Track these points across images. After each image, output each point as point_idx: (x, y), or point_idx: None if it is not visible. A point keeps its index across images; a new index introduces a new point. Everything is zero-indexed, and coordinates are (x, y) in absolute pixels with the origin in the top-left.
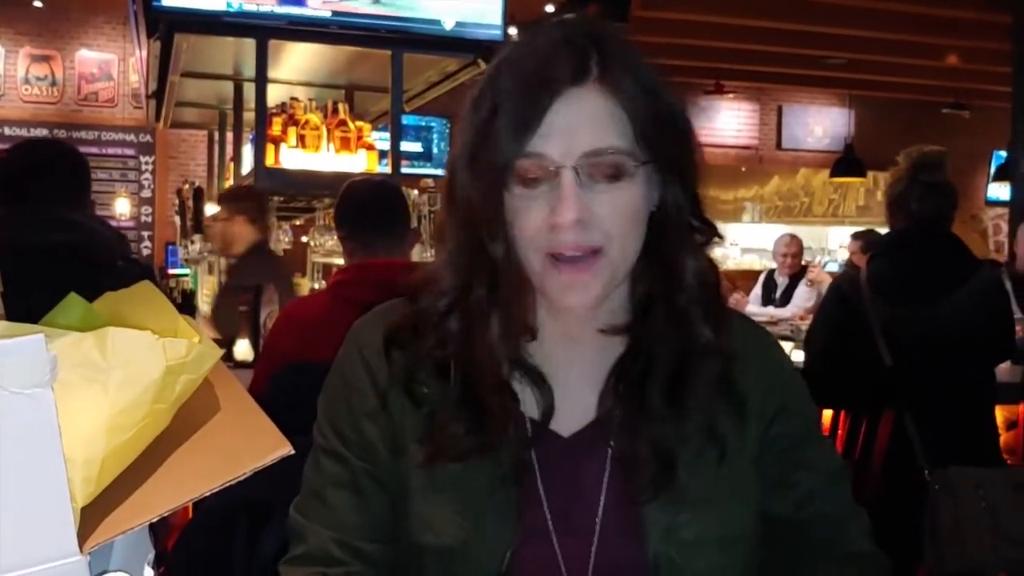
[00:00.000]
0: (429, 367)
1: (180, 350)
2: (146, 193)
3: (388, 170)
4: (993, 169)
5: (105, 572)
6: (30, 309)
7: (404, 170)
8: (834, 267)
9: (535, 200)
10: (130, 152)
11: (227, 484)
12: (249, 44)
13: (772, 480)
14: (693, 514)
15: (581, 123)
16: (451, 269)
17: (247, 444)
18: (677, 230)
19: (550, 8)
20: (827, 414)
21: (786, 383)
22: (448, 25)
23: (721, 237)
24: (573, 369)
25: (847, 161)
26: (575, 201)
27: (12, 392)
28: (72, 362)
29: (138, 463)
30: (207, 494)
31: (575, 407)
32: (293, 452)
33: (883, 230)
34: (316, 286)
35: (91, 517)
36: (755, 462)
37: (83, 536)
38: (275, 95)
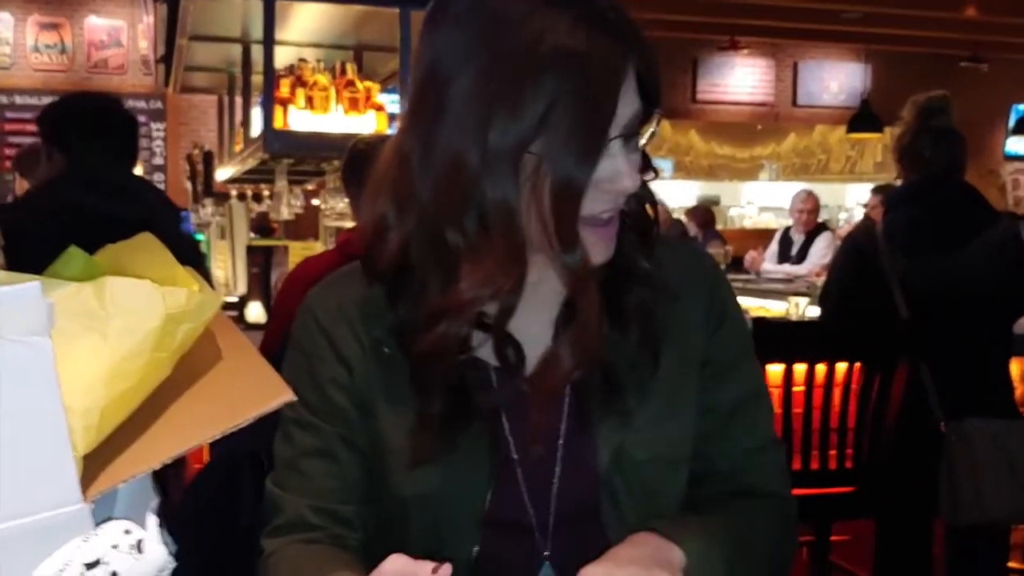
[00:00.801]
0: (392, 332)
1: (180, 299)
2: (158, 160)
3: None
4: (1012, 123)
5: (110, 519)
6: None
7: None
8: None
9: None
10: (141, 119)
11: (230, 431)
12: (256, 5)
13: (701, 402)
14: (642, 435)
15: (625, 97)
16: (485, 283)
17: (249, 391)
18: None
19: None
20: (841, 367)
21: (723, 311)
22: None
23: (656, 173)
24: (529, 313)
25: (864, 117)
26: (632, 167)
27: (10, 340)
28: (71, 311)
29: (140, 412)
30: (210, 440)
31: (534, 347)
32: (296, 399)
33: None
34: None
35: (94, 465)
36: (695, 384)
37: (86, 484)
38: (283, 57)
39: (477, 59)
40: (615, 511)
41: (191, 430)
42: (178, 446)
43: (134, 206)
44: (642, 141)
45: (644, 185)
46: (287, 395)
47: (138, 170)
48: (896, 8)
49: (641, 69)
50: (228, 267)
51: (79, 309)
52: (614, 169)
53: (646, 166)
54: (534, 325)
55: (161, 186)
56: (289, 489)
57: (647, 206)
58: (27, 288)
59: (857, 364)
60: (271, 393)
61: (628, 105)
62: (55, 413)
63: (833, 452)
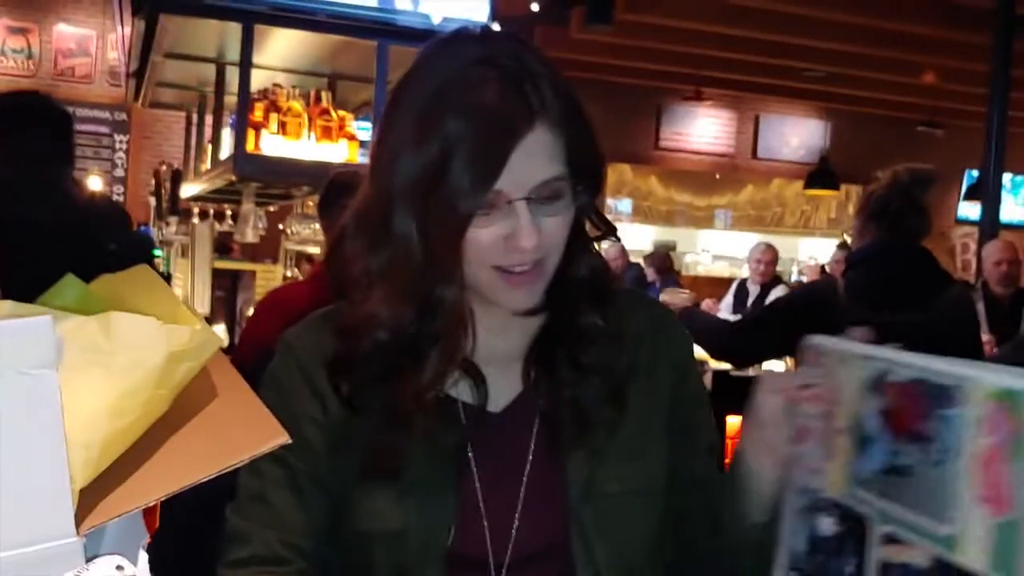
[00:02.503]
0: (365, 378)
1: (183, 336)
2: (119, 172)
3: (368, 161)
4: (964, 188)
5: (98, 555)
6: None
7: None
8: (803, 279)
9: (488, 225)
10: (104, 130)
11: (224, 471)
12: (234, 28)
13: (674, 441)
14: (611, 469)
15: (531, 157)
16: (385, 305)
17: (244, 432)
18: (578, 232)
19: (535, 7)
20: None
21: (685, 349)
22: (435, 20)
23: (616, 234)
24: (498, 352)
25: (821, 173)
26: (533, 228)
27: (19, 372)
28: (76, 344)
29: (135, 447)
30: (203, 480)
31: (503, 384)
32: (290, 441)
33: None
34: (288, 273)
35: (88, 499)
36: (664, 423)
37: (79, 518)
38: (258, 80)
39: (410, 102)
40: (583, 544)
41: (186, 468)
42: (172, 484)
43: (64, 213)
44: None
45: (594, 252)
46: (281, 437)
47: (97, 181)
48: (858, 70)
49: (567, 141)
50: (187, 286)
51: (84, 343)
52: (514, 226)
53: (607, 231)
54: (509, 362)
55: (120, 199)
56: (255, 520)
57: (600, 273)
58: (39, 322)
59: None
60: (265, 434)
61: (536, 168)
62: (57, 446)
63: None
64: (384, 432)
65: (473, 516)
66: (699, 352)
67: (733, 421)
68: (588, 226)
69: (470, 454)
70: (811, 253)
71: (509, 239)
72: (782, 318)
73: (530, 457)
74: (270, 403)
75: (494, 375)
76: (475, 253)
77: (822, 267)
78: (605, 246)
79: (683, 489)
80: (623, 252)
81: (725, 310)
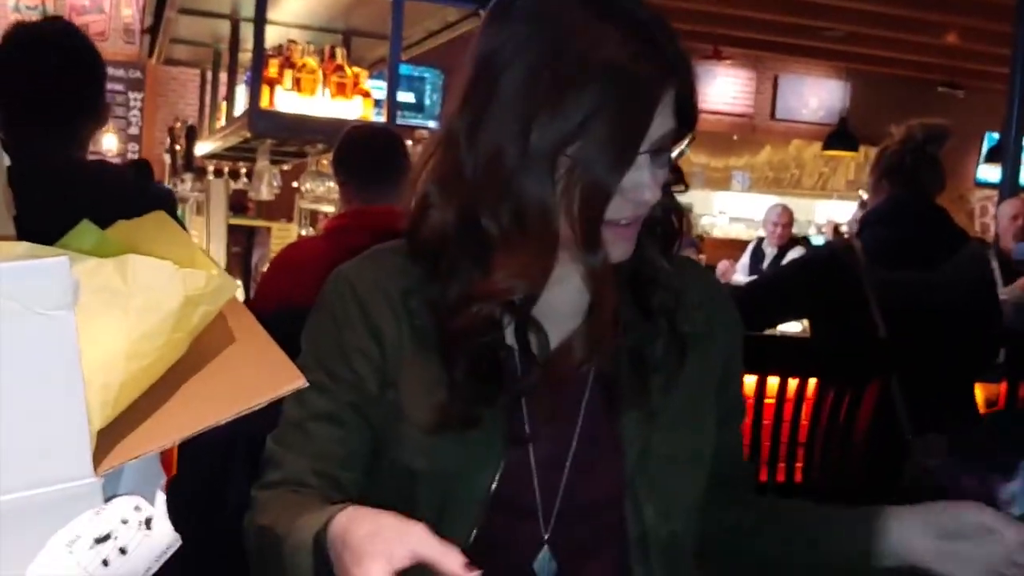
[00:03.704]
0: (428, 307)
1: (199, 281)
2: (133, 130)
3: (383, 118)
4: (984, 151)
5: (116, 495)
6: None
7: (399, 119)
8: (820, 240)
9: None
10: (119, 87)
11: (241, 413)
12: None
13: (721, 414)
14: (666, 432)
15: (660, 115)
16: (520, 277)
17: (262, 375)
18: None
19: None
20: (813, 383)
21: (738, 327)
22: None
23: (686, 184)
24: (561, 303)
25: (840, 135)
26: (654, 182)
27: (36, 312)
28: (93, 287)
29: (153, 390)
30: (221, 422)
31: (560, 335)
32: (308, 384)
33: None
34: (304, 232)
35: (106, 441)
36: (714, 395)
37: (97, 459)
38: (272, 37)
39: (529, 59)
40: (634, 506)
41: (203, 411)
42: (190, 426)
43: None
44: (673, 154)
45: (672, 197)
46: (299, 381)
47: (113, 138)
48: (878, 30)
49: (680, 91)
50: (203, 243)
51: (101, 285)
52: (639, 180)
53: (677, 179)
54: (564, 315)
55: (136, 156)
56: (292, 448)
57: (673, 217)
58: (56, 263)
59: (828, 380)
60: (283, 378)
61: (662, 123)
62: (75, 387)
63: (799, 465)
64: (461, 395)
65: (522, 464)
66: None
67: (747, 381)
68: None
69: (523, 402)
70: (829, 215)
71: (633, 192)
72: (797, 280)
73: (582, 413)
74: (322, 331)
75: (551, 326)
76: None
77: (836, 227)
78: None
79: (719, 460)
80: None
81: (741, 271)
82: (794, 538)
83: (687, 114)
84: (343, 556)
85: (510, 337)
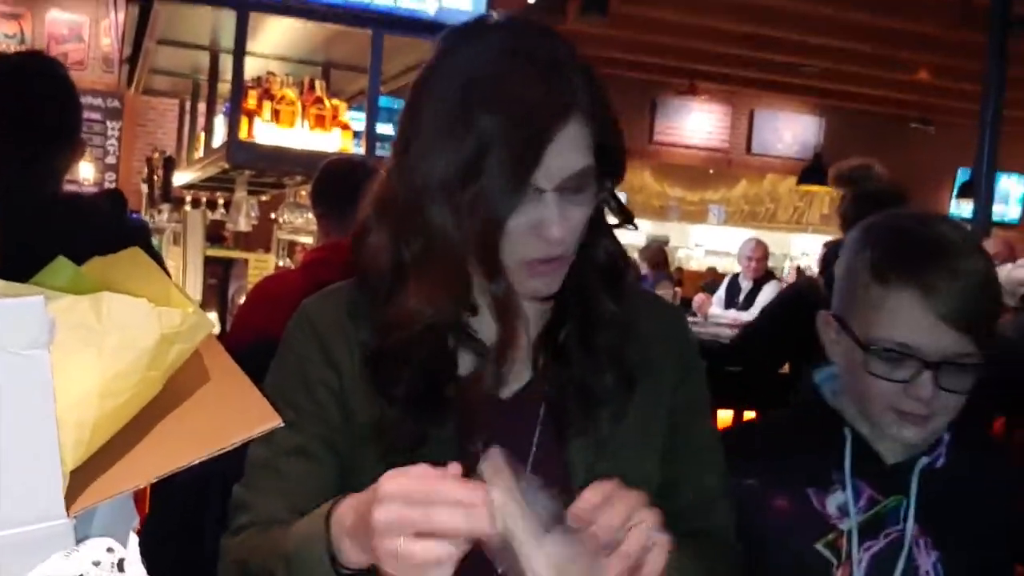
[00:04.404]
0: (373, 331)
1: (175, 319)
2: (111, 159)
3: (363, 150)
4: (957, 186)
5: (88, 538)
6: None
7: (379, 151)
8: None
9: (517, 217)
10: (97, 117)
11: (216, 453)
12: (228, 15)
13: (667, 441)
14: (614, 460)
15: (563, 150)
16: (427, 300)
17: (237, 415)
18: (597, 217)
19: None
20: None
21: (691, 355)
22: (431, 10)
23: (633, 223)
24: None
25: (815, 169)
26: (562, 221)
27: (10, 352)
28: (68, 325)
29: (126, 429)
30: (195, 462)
31: (512, 372)
32: (283, 424)
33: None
34: (281, 263)
35: (78, 481)
36: (665, 425)
37: (69, 499)
38: (251, 68)
39: (441, 92)
40: None
41: (178, 450)
42: (164, 466)
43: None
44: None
45: (613, 238)
46: (274, 421)
47: (89, 169)
48: (852, 66)
49: (596, 133)
50: (179, 274)
51: (76, 323)
52: (543, 217)
53: (624, 220)
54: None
55: (113, 186)
56: (262, 490)
57: (617, 258)
58: (31, 302)
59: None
60: (258, 418)
61: (568, 161)
62: (48, 426)
63: None
64: (403, 413)
65: None
66: None
67: (723, 415)
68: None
69: (474, 433)
70: (804, 249)
71: (538, 229)
72: (771, 322)
73: (535, 443)
74: (285, 367)
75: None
76: (504, 245)
77: (798, 268)
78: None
79: (667, 492)
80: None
81: (717, 304)
82: None
83: (611, 157)
84: (365, 516)
85: (464, 362)
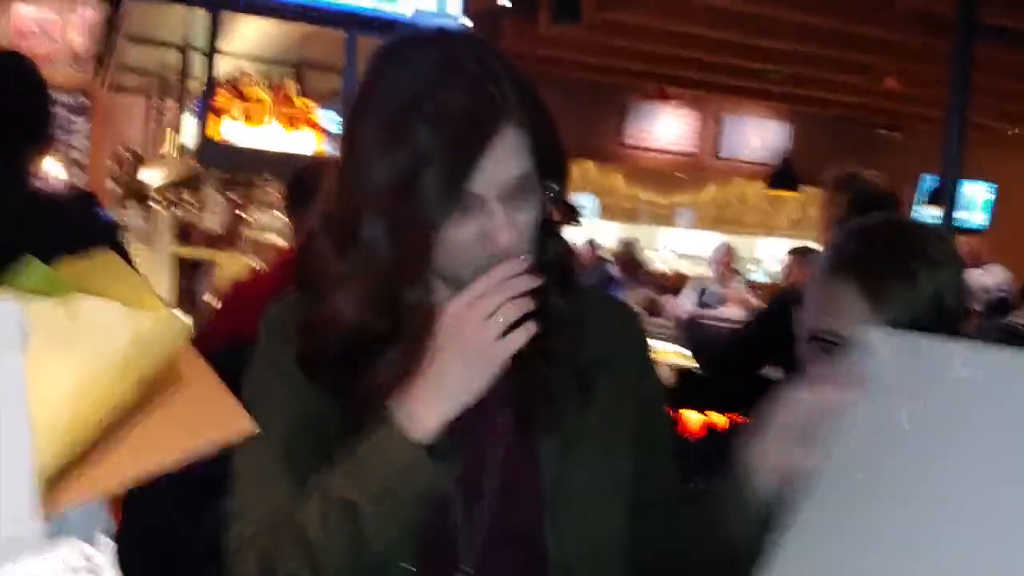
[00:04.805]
0: (328, 371)
1: (148, 322)
2: (79, 156)
3: (337, 152)
4: (921, 191)
5: (60, 541)
6: None
7: None
8: (761, 277)
9: (464, 227)
10: (64, 113)
11: (189, 459)
12: (200, 14)
13: (639, 435)
14: (582, 460)
15: (501, 158)
16: (350, 307)
17: (210, 419)
18: (544, 218)
19: (505, 1)
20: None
21: (645, 348)
22: (407, 12)
23: (578, 220)
24: None
25: (783, 174)
26: (507, 228)
27: None
28: (41, 327)
29: (100, 434)
30: (170, 467)
31: None
32: (257, 430)
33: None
34: (251, 262)
35: (51, 485)
36: (630, 418)
37: (43, 504)
38: (222, 67)
39: (377, 103)
40: (555, 532)
41: (152, 455)
42: (137, 471)
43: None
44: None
45: (559, 238)
46: (247, 425)
47: (57, 166)
48: (820, 72)
49: (536, 137)
50: (146, 274)
51: (49, 326)
52: (489, 227)
53: (569, 217)
54: None
55: (80, 182)
56: (253, 500)
57: (566, 256)
58: (5, 305)
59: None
60: (232, 422)
61: (506, 168)
62: (22, 430)
63: None
64: (352, 418)
65: (444, 507)
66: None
67: (694, 417)
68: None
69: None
70: (771, 253)
71: (485, 238)
72: (760, 331)
73: (502, 443)
74: (259, 374)
75: None
76: (453, 256)
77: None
78: (576, 243)
79: (645, 483)
80: (592, 248)
81: (686, 305)
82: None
83: (551, 159)
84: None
85: None
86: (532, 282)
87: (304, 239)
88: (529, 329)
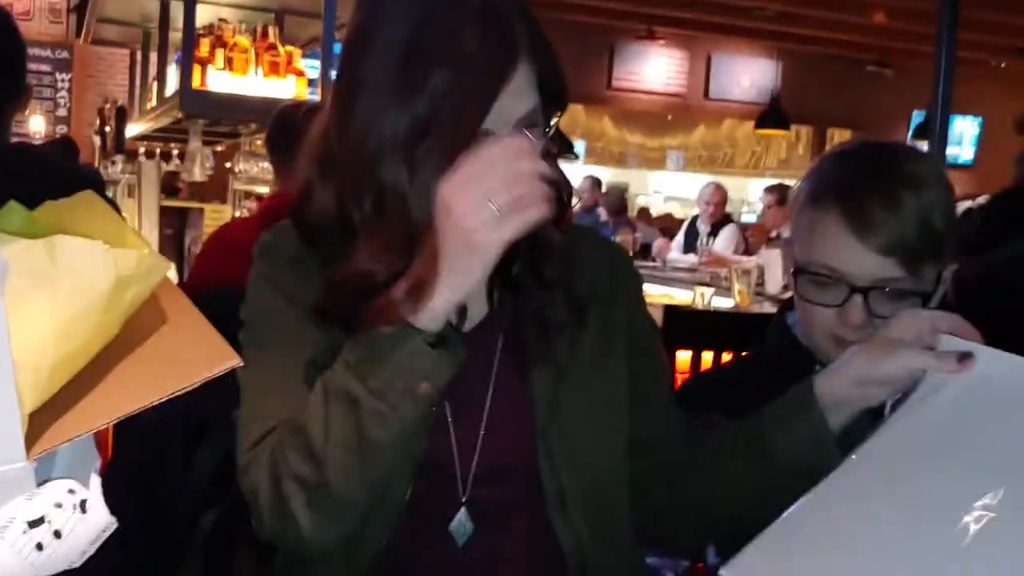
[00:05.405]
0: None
1: (130, 261)
2: (62, 112)
3: (317, 97)
4: (912, 128)
5: (49, 480)
6: None
7: None
8: (752, 218)
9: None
10: (45, 68)
11: (176, 394)
12: None
13: (635, 364)
14: (577, 388)
15: (514, 95)
16: (378, 260)
17: (196, 355)
18: (547, 151)
19: None
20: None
21: (639, 284)
22: None
23: (575, 154)
24: None
25: (772, 114)
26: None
27: None
28: (21, 269)
29: (85, 372)
30: (155, 403)
31: (470, 308)
32: (243, 364)
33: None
34: (238, 213)
35: (37, 424)
36: (624, 348)
37: (29, 443)
38: (203, 16)
39: (376, 46)
40: (549, 463)
41: (136, 392)
42: (124, 408)
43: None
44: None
45: (558, 169)
46: (233, 360)
47: (41, 120)
48: (809, 9)
49: (540, 70)
50: (134, 226)
51: (29, 267)
52: None
53: (564, 149)
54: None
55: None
56: (267, 407)
57: (560, 183)
58: None
59: None
60: (218, 357)
61: (518, 103)
62: (4, 369)
63: None
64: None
65: (440, 429)
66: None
67: (682, 356)
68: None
69: None
70: (760, 193)
71: None
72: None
73: (494, 374)
74: (261, 299)
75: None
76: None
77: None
78: (576, 181)
79: (645, 411)
80: (593, 186)
81: (676, 248)
82: (745, 448)
83: (554, 91)
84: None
85: None
86: (530, 160)
87: (298, 188)
88: (526, 213)
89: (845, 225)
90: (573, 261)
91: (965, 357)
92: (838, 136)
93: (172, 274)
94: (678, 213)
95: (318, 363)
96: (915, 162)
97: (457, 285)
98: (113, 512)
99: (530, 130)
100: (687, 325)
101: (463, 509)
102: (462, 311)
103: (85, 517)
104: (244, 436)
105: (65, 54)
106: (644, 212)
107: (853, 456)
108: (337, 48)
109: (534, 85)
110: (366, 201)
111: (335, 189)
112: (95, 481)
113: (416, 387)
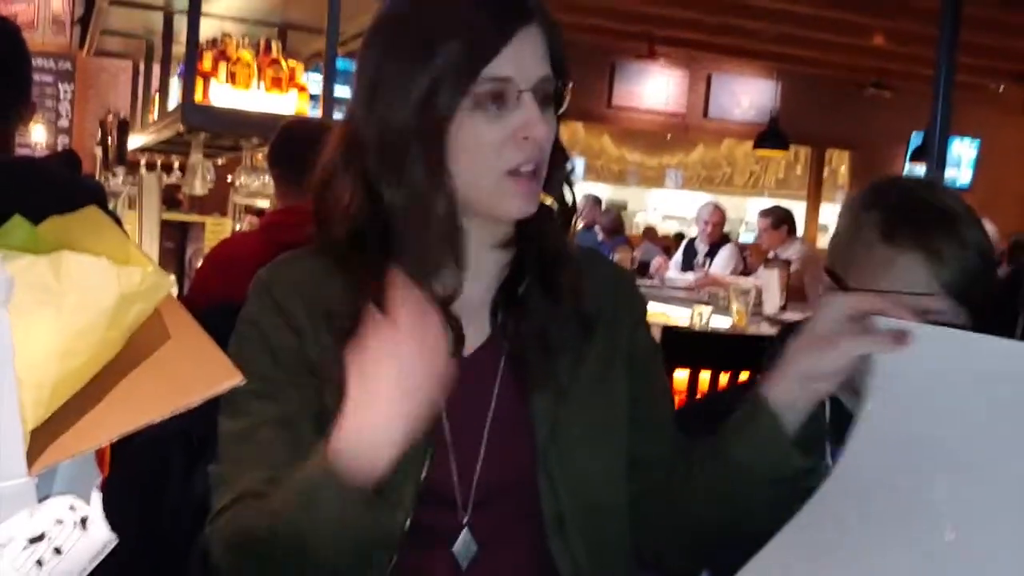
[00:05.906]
0: (338, 297)
1: (134, 278)
2: (64, 123)
3: (319, 113)
4: (911, 150)
5: (50, 495)
6: None
7: (336, 114)
8: (750, 238)
9: (498, 121)
10: (48, 79)
11: (177, 411)
12: None
13: (635, 385)
14: (577, 409)
15: (533, 49)
16: (421, 251)
17: (198, 373)
18: (555, 152)
19: None
20: (744, 377)
21: (642, 306)
22: None
23: (569, 159)
24: (469, 298)
25: (771, 134)
26: (543, 119)
27: None
28: (26, 284)
29: (87, 388)
30: (157, 420)
31: (471, 332)
32: (245, 382)
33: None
34: (238, 226)
35: (39, 440)
36: (624, 370)
37: (31, 458)
38: (206, 30)
39: (399, 28)
40: (548, 484)
41: (139, 409)
42: (125, 424)
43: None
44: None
45: (567, 179)
46: (235, 378)
47: (43, 131)
48: (809, 31)
49: (549, 40)
50: (134, 238)
51: (34, 282)
52: (526, 119)
53: (562, 158)
54: (475, 307)
55: (66, 149)
56: (240, 463)
57: (568, 200)
58: None
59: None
60: (219, 375)
61: (537, 63)
62: (8, 386)
63: None
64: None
65: (441, 455)
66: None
67: (680, 375)
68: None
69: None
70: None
71: (520, 131)
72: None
73: (495, 398)
74: (249, 339)
75: (464, 322)
76: (487, 154)
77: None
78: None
79: (646, 433)
80: (593, 204)
81: (674, 267)
82: (711, 460)
83: (558, 64)
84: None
85: None
86: (437, 341)
87: (318, 182)
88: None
89: (927, 269)
90: (583, 276)
91: (901, 335)
92: (837, 157)
93: (172, 288)
94: (675, 231)
95: (301, 405)
96: (967, 206)
97: (391, 440)
98: (113, 527)
99: (547, 103)
100: (684, 345)
101: (465, 531)
102: (459, 336)
103: (86, 533)
104: (215, 495)
105: (68, 65)
106: (650, 231)
107: (834, 472)
108: (340, 64)
109: (548, 58)
110: (397, 187)
111: (359, 176)
112: (96, 497)
113: (355, 539)
